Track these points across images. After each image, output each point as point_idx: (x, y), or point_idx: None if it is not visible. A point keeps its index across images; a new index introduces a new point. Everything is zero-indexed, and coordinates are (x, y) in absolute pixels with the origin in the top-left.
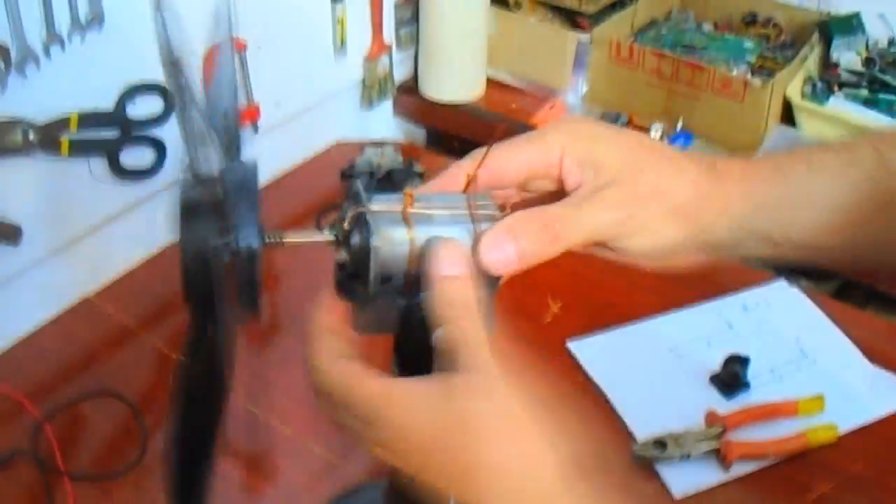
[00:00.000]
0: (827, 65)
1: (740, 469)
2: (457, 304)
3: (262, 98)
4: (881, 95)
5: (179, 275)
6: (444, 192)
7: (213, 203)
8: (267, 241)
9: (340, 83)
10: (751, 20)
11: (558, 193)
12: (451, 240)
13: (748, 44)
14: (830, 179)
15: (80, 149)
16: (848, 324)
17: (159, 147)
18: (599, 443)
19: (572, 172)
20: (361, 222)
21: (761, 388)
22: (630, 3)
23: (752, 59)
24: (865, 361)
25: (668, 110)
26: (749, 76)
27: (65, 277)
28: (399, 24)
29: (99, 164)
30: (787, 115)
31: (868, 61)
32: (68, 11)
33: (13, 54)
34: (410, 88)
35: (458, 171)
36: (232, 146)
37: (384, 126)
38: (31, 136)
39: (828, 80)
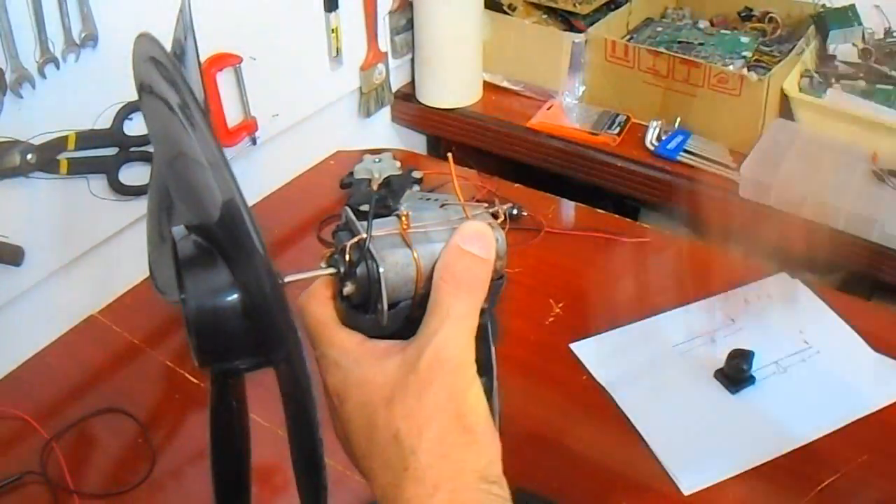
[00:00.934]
0: (824, 57)
1: (747, 461)
2: (464, 278)
3: (260, 110)
4: (879, 86)
5: (189, 338)
6: (430, 209)
7: (212, 251)
8: None
9: (337, 92)
10: (747, 15)
11: None
12: (484, 223)
13: (744, 39)
14: None
15: (79, 167)
16: (852, 314)
17: None
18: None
19: None
20: (363, 251)
21: (766, 382)
22: (625, 2)
23: (749, 53)
24: (870, 350)
25: (666, 108)
26: (745, 71)
27: (68, 296)
28: (394, 31)
29: (98, 183)
30: (785, 109)
31: (865, 52)
32: (62, 31)
33: (8, 75)
34: (408, 95)
35: None
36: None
37: (383, 134)
38: (30, 157)
39: (825, 73)
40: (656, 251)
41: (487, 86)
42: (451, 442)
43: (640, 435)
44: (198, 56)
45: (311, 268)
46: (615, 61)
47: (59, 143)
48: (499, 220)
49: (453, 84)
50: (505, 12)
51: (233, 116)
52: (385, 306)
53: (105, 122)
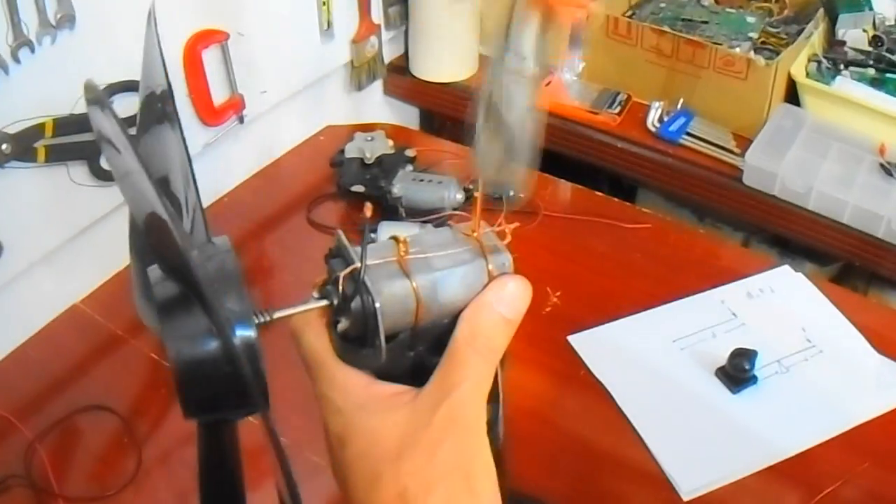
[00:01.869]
0: (832, 43)
1: (748, 466)
2: (490, 342)
3: (247, 87)
4: (889, 76)
5: (175, 385)
6: (430, 230)
7: (192, 294)
8: (256, 323)
9: (328, 66)
10: None
11: None
12: (524, 281)
13: (750, 19)
14: None
15: (58, 155)
16: (852, 310)
17: None
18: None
19: None
20: (357, 283)
21: (768, 382)
22: None
23: (755, 35)
24: (873, 352)
25: (669, 88)
26: (752, 53)
27: (50, 287)
28: (387, 2)
29: (79, 169)
30: (792, 94)
31: (875, 39)
32: (36, 12)
33: None
34: (401, 68)
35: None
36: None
37: (375, 107)
38: (5, 147)
39: (833, 59)
40: (656, 238)
41: (484, 59)
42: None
43: (639, 436)
44: (159, 42)
45: (302, 301)
46: (617, 38)
47: (37, 131)
48: (505, 241)
49: (448, 57)
50: None
51: (219, 94)
52: (382, 342)
53: (84, 107)
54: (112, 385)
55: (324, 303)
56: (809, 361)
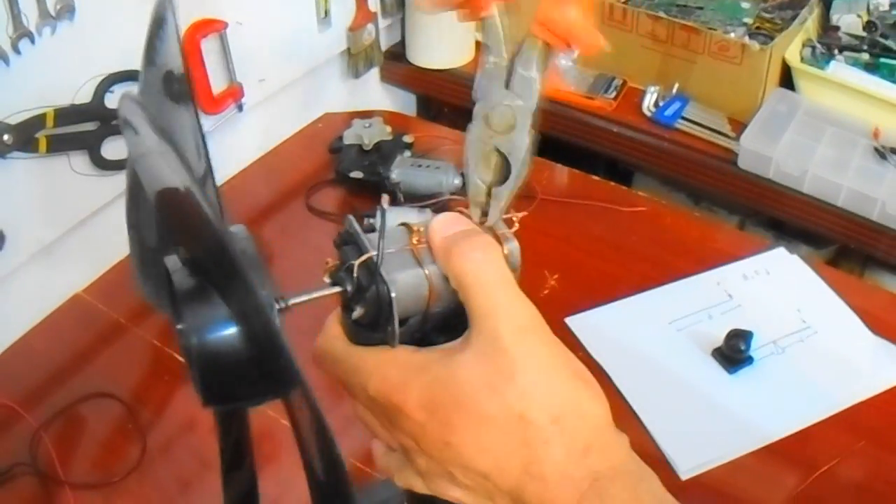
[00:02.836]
0: (826, 28)
1: (745, 445)
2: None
3: (246, 76)
4: (883, 60)
5: (194, 374)
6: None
7: (218, 278)
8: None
9: (325, 54)
10: None
11: None
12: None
13: (745, 4)
14: None
15: (60, 145)
16: (848, 292)
17: None
18: None
19: None
20: (372, 272)
21: (764, 362)
22: None
23: (750, 20)
24: (868, 333)
25: (664, 73)
26: (746, 39)
27: (52, 277)
28: None
29: (80, 159)
30: (786, 78)
31: (869, 25)
32: (35, 4)
33: None
34: (398, 55)
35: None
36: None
37: (372, 95)
38: (6, 138)
39: (828, 44)
40: (652, 221)
41: (480, 45)
42: (578, 398)
43: (636, 416)
44: (177, 28)
45: (315, 287)
46: (613, 24)
47: (38, 121)
48: (512, 229)
49: (445, 44)
50: None
51: (218, 83)
52: (396, 328)
53: (85, 97)
54: (115, 373)
55: (337, 289)
56: (805, 342)
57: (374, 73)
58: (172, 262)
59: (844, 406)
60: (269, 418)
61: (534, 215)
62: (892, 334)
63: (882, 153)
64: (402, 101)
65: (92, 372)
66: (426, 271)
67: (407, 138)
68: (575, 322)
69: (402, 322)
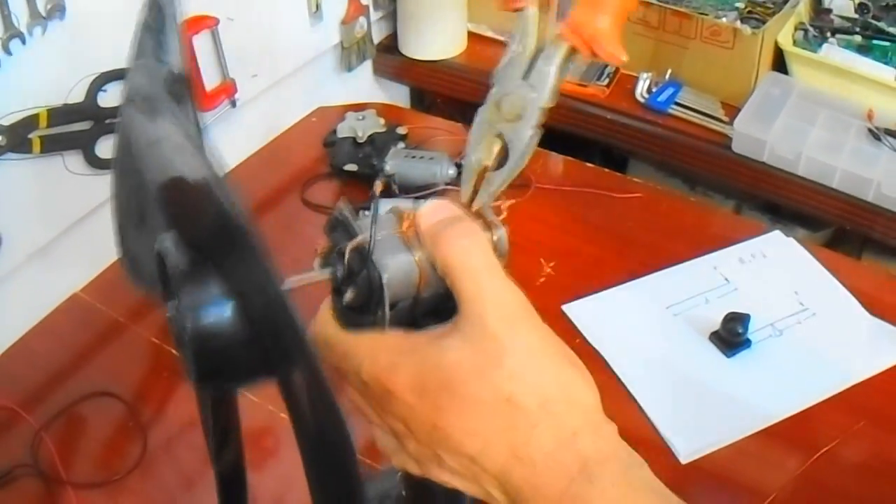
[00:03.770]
0: (818, 11)
1: (744, 428)
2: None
3: (238, 72)
4: (875, 42)
5: (186, 354)
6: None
7: (211, 261)
8: None
9: (317, 48)
10: None
11: None
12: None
13: None
14: None
15: (54, 145)
16: (845, 274)
17: None
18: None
19: None
20: (363, 256)
21: (762, 345)
22: None
23: (741, 5)
24: (866, 313)
25: (657, 60)
26: (738, 23)
27: (50, 277)
28: None
29: (74, 158)
30: (779, 62)
31: (861, 7)
32: (26, 4)
33: None
34: (390, 48)
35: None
36: None
37: (365, 88)
38: (0, 139)
39: (820, 27)
40: (648, 207)
41: (472, 36)
42: (567, 383)
43: (635, 401)
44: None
45: (306, 270)
46: None
47: (31, 122)
48: (501, 217)
49: (437, 35)
50: None
51: (211, 80)
52: (387, 312)
53: (78, 96)
54: (115, 371)
55: (328, 273)
56: (803, 324)
57: (367, 66)
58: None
59: (843, 387)
60: (268, 413)
61: (529, 203)
62: (889, 315)
63: (876, 134)
64: (395, 94)
65: (92, 371)
66: (416, 257)
67: (400, 130)
68: (572, 309)
69: (393, 306)
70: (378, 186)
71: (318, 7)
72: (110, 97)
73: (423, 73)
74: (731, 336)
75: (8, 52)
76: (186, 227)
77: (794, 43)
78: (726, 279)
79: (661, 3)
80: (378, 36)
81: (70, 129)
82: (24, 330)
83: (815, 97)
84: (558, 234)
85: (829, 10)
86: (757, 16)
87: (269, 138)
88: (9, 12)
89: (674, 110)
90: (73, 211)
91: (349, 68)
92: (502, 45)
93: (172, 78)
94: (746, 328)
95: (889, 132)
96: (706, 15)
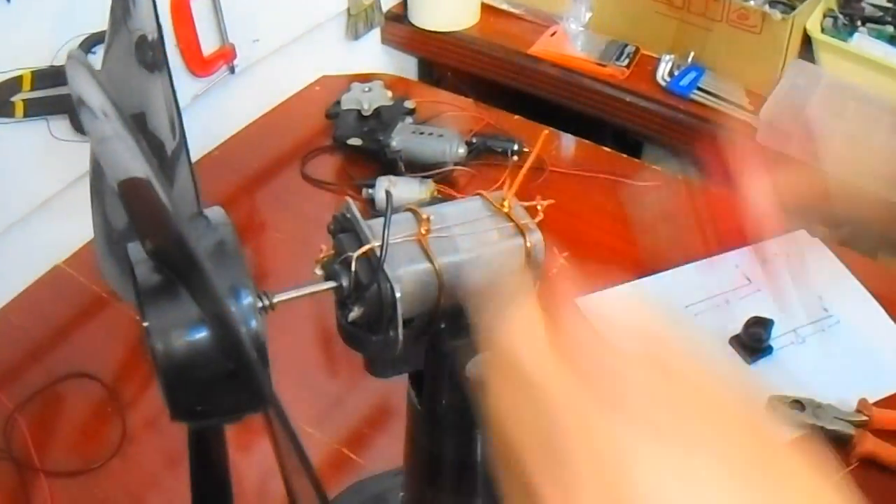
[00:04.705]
0: None
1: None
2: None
3: (239, 36)
4: None
5: (161, 384)
6: (454, 202)
7: (182, 275)
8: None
9: (323, 14)
10: None
11: None
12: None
13: None
14: None
15: (38, 109)
16: (870, 278)
17: None
18: None
19: None
20: (374, 266)
21: (784, 352)
22: None
23: None
24: (891, 323)
25: (679, 41)
26: (767, 7)
27: (31, 247)
28: None
29: (60, 123)
30: (806, 49)
31: None
32: None
33: None
34: (399, 16)
35: None
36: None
37: (372, 57)
38: None
39: (850, 15)
40: (666, 197)
41: (486, 8)
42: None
43: None
44: None
45: (305, 283)
46: None
47: (13, 84)
48: (536, 220)
49: (449, 5)
50: None
51: (209, 44)
52: (400, 333)
53: (66, 58)
54: (95, 351)
55: (331, 284)
56: (826, 332)
57: (375, 34)
58: (136, 251)
59: (869, 401)
60: None
61: (542, 188)
62: None
63: None
64: (403, 65)
65: (71, 350)
66: (437, 266)
67: (408, 104)
68: (586, 303)
69: (407, 323)
70: (389, 181)
71: None
72: (100, 58)
73: (433, 44)
74: (754, 342)
75: None
76: (147, 237)
77: (823, 30)
78: (748, 279)
79: None
80: (387, 3)
81: (56, 92)
82: (3, 303)
83: (843, 89)
84: (573, 221)
85: None
86: (785, 0)
87: (269, 107)
88: None
89: (696, 95)
90: (57, 178)
91: (356, 36)
92: (517, 18)
93: (144, 44)
94: (769, 334)
95: None
96: None
